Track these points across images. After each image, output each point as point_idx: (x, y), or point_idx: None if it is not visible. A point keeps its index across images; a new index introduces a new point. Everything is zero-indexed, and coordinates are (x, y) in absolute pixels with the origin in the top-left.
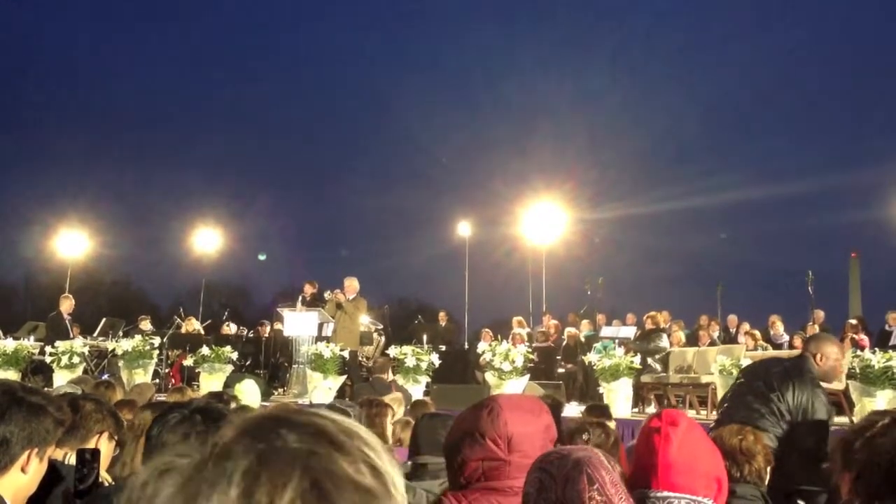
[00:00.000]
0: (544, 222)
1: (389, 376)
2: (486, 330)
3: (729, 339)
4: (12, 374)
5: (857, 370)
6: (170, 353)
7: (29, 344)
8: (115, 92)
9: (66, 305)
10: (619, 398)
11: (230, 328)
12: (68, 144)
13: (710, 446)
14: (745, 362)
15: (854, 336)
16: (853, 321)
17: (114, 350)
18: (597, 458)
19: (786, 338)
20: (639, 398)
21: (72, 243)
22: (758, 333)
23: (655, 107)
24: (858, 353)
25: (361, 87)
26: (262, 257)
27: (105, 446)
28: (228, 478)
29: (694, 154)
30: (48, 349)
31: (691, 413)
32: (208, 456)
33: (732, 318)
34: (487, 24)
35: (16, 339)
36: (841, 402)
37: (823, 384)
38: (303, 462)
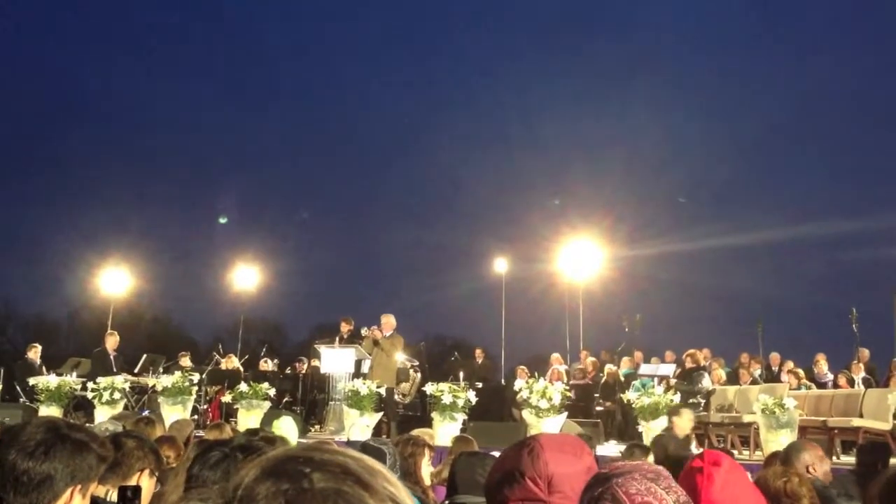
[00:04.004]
0: (581, 259)
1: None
2: (522, 367)
3: (771, 377)
4: (55, 410)
5: None
6: (208, 390)
7: (71, 380)
8: (157, 132)
9: (112, 342)
10: None
11: (268, 364)
12: (111, 184)
13: (752, 487)
14: (789, 401)
15: None
16: None
17: (154, 386)
18: None
19: (830, 377)
20: None
21: (114, 280)
22: (801, 372)
23: (694, 143)
24: None
25: (398, 123)
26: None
27: (146, 483)
28: None
29: (734, 190)
30: (90, 385)
31: (733, 453)
32: (231, 498)
33: (775, 356)
34: (523, 59)
35: (58, 374)
36: (888, 443)
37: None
38: (332, 502)
